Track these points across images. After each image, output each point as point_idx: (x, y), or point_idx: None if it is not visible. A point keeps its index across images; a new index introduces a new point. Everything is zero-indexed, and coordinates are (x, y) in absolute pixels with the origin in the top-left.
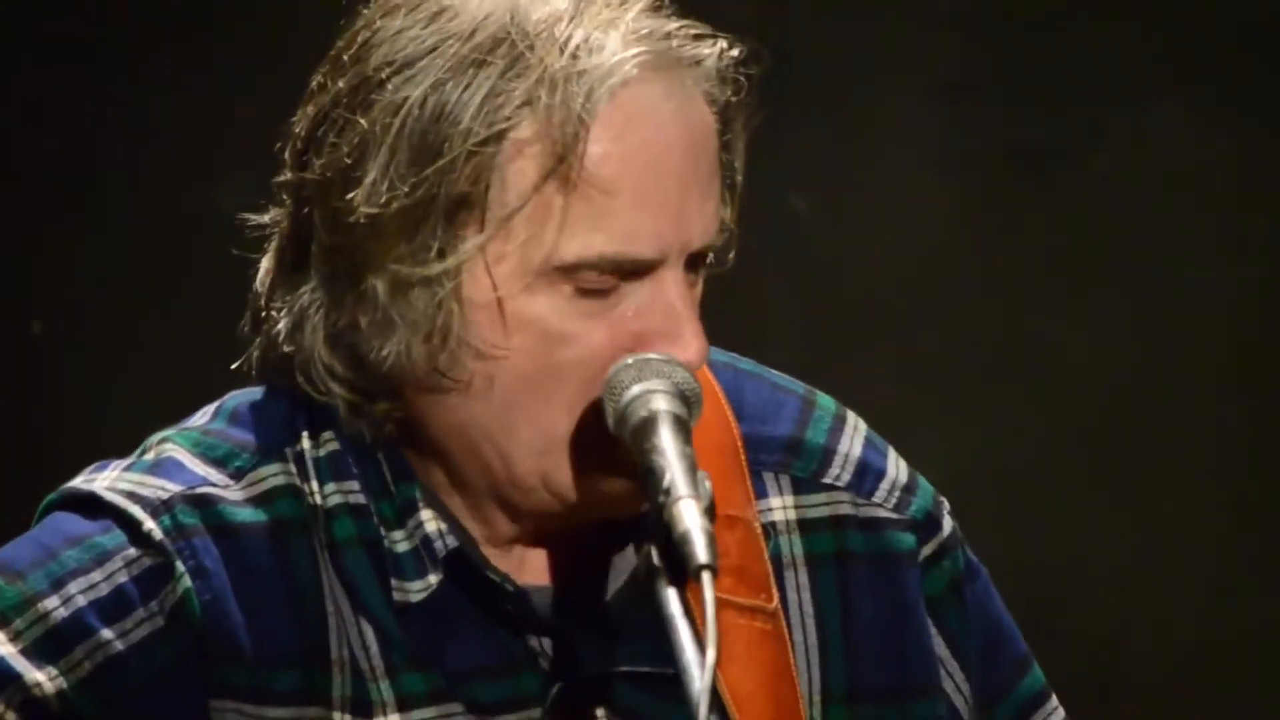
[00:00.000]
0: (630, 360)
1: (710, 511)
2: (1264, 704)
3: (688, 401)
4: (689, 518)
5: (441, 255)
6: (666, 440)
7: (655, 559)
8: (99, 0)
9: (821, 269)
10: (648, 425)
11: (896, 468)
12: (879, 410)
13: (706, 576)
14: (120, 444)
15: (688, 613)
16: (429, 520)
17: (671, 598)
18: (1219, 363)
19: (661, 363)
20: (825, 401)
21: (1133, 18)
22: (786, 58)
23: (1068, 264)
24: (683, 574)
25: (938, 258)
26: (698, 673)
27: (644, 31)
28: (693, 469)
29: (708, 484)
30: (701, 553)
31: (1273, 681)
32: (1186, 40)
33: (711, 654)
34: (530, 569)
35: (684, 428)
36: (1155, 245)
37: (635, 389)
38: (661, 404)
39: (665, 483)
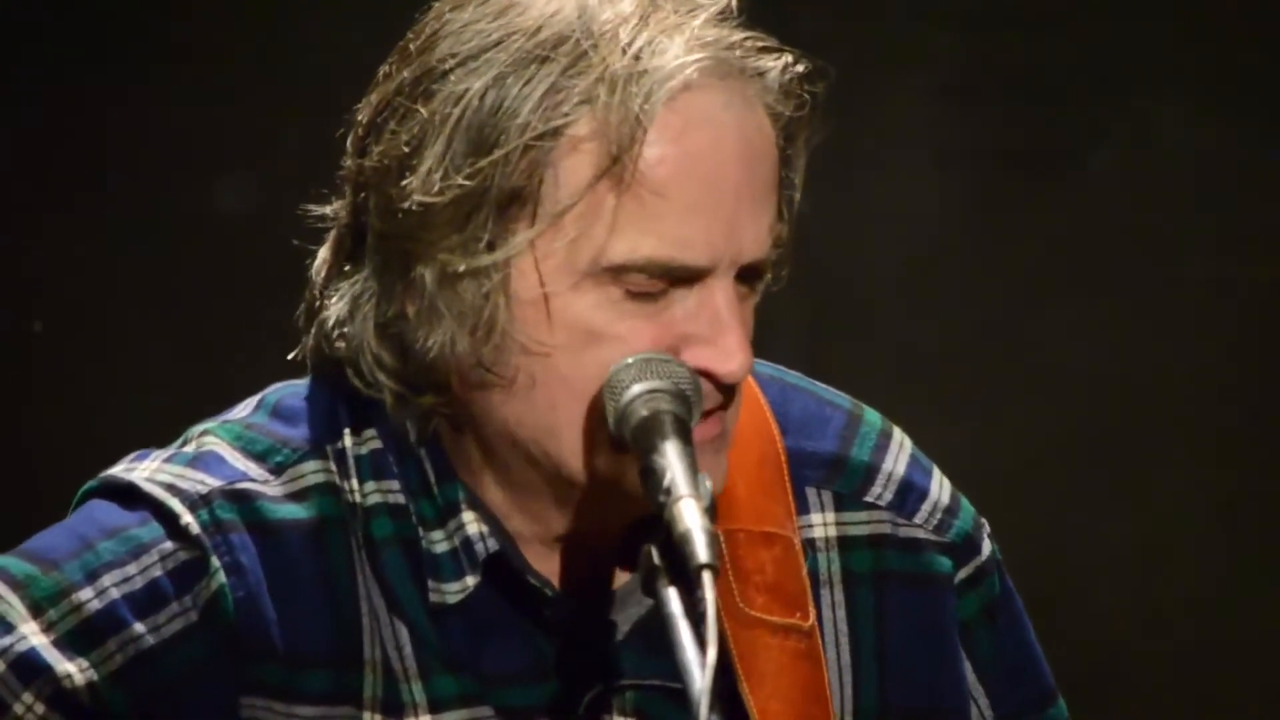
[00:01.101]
0: (631, 360)
1: (711, 511)
2: (1264, 704)
3: (688, 401)
4: (689, 517)
5: (491, 247)
6: (667, 440)
7: (656, 558)
8: (99, 1)
9: (822, 268)
10: (648, 425)
11: (939, 488)
12: (878, 409)
13: (707, 576)
14: (120, 443)
15: (689, 612)
16: (471, 522)
17: (672, 597)
18: (1219, 362)
19: (662, 362)
20: (871, 417)
21: (1133, 18)
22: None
23: (1068, 264)
24: (684, 573)
25: (938, 257)
26: (698, 672)
27: (708, 39)
28: (693, 468)
29: (708, 484)
30: (702, 552)
31: (1273, 682)
32: (1186, 40)
33: (711, 653)
34: (567, 575)
35: (684, 427)
36: (1155, 245)
37: (635, 389)
38: (662, 404)
39: (666, 482)
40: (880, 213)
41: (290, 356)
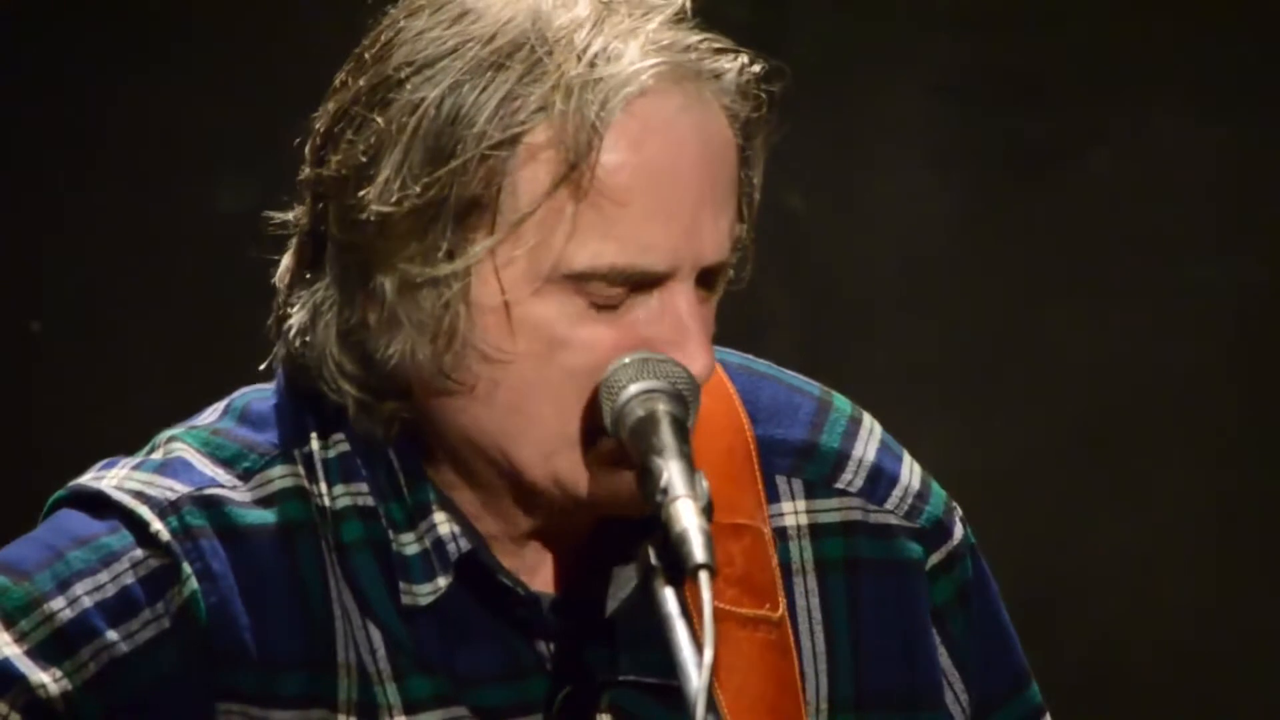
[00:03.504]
0: (628, 359)
1: (708, 511)
2: (1262, 704)
3: (684, 401)
4: (686, 517)
5: (450, 256)
6: (664, 440)
7: (653, 558)
8: (99, 1)
9: (821, 269)
10: (645, 425)
11: (910, 473)
12: (878, 410)
13: (704, 576)
14: (120, 443)
15: (685, 612)
16: (442, 523)
17: (669, 597)
18: (1219, 362)
19: (659, 362)
20: (841, 403)
21: (1133, 18)
22: (786, 58)
23: (1067, 264)
24: (680, 573)
25: (937, 257)
26: (694, 672)
27: (664, 42)
28: (690, 468)
29: (705, 483)
30: (699, 552)
31: (1272, 681)
32: (1186, 40)
33: (709, 653)
34: (539, 574)
35: (681, 427)
36: (1155, 245)
37: (632, 388)
38: (659, 404)
39: (662, 482)
40: (879, 213)
41: (262, 367)
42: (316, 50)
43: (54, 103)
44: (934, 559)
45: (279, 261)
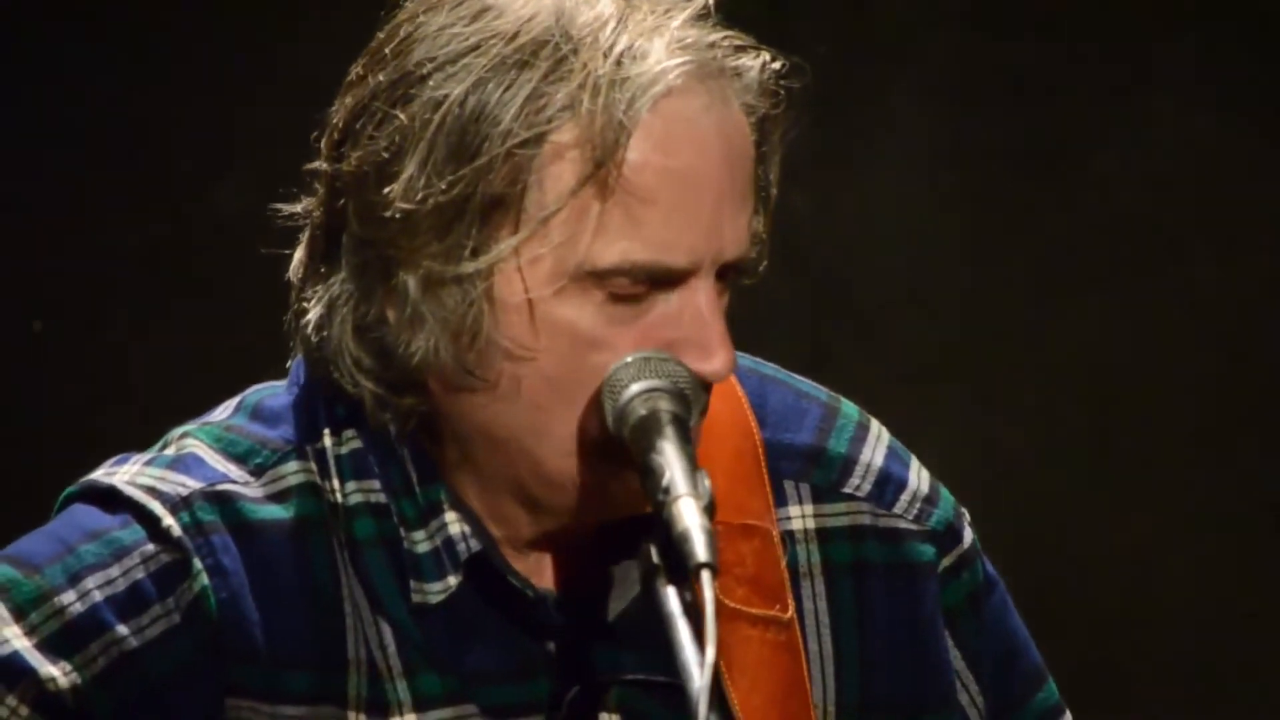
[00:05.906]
0: (630, 359)
1: (710, 510)
2: (1263, 702)
3: (686, 399)
4: (688, 516)
5: (475, 255)
6: (666, 438)
7: (655, 557)
8: (99, 1)
9: (821, 268)
10: (647, 424)
11: (918, 478)
12: (878, 409)
13: (706, 575)
14: (121, 443)
15: (687, 611)
16: (453, 522)
17: (671, 596)
18: (1219, 362)
19: (660, 361)
20: (849, 409)
21: (1133, 18)
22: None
23: (1068, 263)
24: (683, 572)
25: (937, 257)
26: (697, 671)
27: (688, 41)
28: (692, 467)
29: (707, 482)
30: (701, 551)
31: (1273, 679)
32: (1187, 40)
33: (711, 652)
34: (547, 574)
35: (683, 426)
36: (1155, 245)
37: (634, 387)
38: (660, 403)
39: (664, 481)
40: (880, 212)
41: (289, 364)
42: (320, 51)
43: (54, 102)
44: (945, 562)
45: (283, 259)
